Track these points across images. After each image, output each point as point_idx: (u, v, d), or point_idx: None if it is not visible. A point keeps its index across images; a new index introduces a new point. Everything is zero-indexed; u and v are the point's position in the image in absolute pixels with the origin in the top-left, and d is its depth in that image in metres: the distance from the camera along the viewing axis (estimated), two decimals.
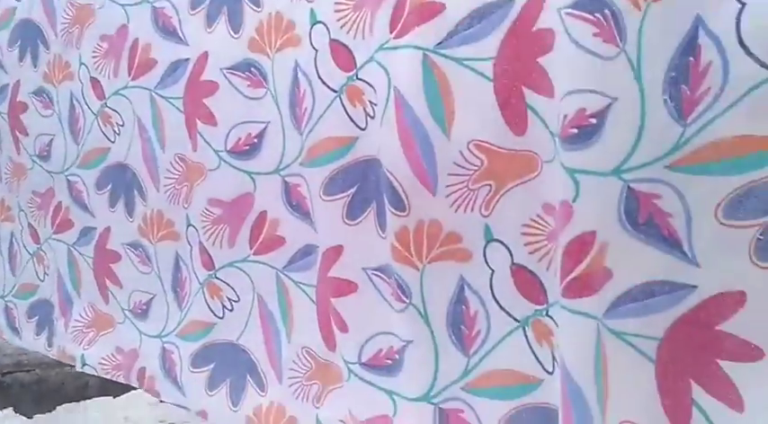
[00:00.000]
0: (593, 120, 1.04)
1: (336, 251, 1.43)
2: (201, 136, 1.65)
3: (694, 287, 0.99)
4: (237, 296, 1.66)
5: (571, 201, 1.09)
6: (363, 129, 1.38)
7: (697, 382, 1.00)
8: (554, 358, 1.18)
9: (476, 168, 1.28)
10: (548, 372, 1.19)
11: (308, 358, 1.54)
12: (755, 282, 0.95)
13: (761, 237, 0.96)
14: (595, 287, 1.05)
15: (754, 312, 0.95)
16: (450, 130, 1.25)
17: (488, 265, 1.24)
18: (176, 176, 1.75)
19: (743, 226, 0.96)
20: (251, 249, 1.62)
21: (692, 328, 1.00)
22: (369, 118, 1.38)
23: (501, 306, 1.23)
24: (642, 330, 1.03)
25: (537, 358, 1.20)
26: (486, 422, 1.25)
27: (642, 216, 1.09)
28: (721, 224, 0.99)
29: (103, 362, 2.01)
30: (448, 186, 1.28)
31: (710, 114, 0.99)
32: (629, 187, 1.08)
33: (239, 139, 1.60)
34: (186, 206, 1.73)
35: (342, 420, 1.49)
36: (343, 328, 1.42)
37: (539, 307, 1.19)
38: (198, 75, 1.68)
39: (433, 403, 1.31)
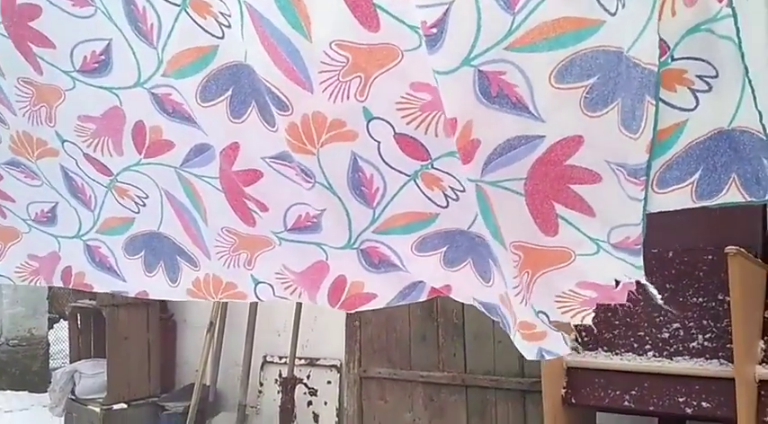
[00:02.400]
0: (434, 30, 1.20)
1: (233, 148, 1.56)
2: (42, 59, 1.58)
3: (543, 136, 1.29)
4: (145, 194, 1.77)
5: (432, 83, 1.29)
6: (222, 38, 1.42)
7: (557, 202, 1.36)
8: (446, 197, 1.48)
9: (342, 64, 1.39)
10: (441, 207, 1.51)
11: (230, 235, 1.76)
12: (588, 127, 1.25)
13: (587, 95, 1.26)
14: (471, 155, 1.31)
15: (590, 148, 1.27)
16: (310, 34, 1.33)
17: (373, 138, 1.44)
18: (27, 98, 1.69)
19: (572, 88, 1.24)
20: (140, 154, 1.69)
21: (547, 165, 1.31)
22: (224, 27, 1.40)
23: (391, 167, 1.47)
24: (511, 175, 1.35)
25: (430, 199, 1.50)
26: (399, 249, 1.59)
27: (494, 90, 1.31)
28: (555, 88, 1.24)
29: (19, 270, 2.12)
30: (321, 82, 1.41)
31: (533, 2, 1.22)
32: (479, 70, 1.28)
33: (85, 58, 1.56)
34: (51, 124, 1.71)
35: (278, 273, 1.79)
36: (263, 208, 1.63)
37: (424, 162, 1.45)
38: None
39: (354, 248, 1.62)
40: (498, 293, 1.52)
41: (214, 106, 1.51)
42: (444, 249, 1.57)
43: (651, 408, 2.33)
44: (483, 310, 1.63)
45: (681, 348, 2.49)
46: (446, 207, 1.50)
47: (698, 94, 1.16)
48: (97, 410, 5.45)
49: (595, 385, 2.44)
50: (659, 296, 1.37)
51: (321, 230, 1.62)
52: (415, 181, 1.48)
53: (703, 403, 2.29)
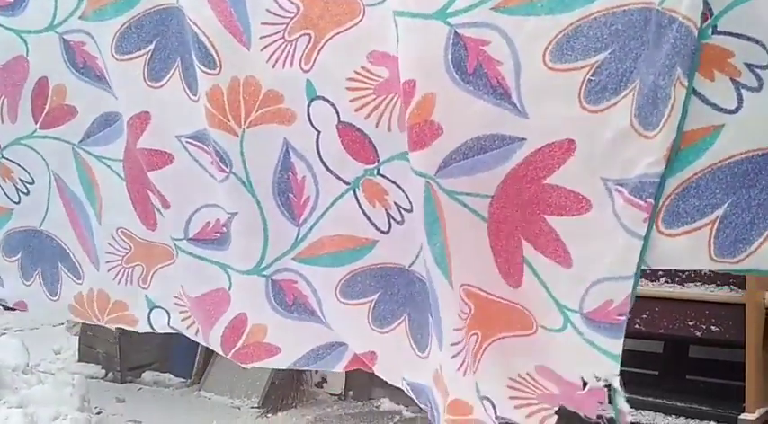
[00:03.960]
0: None
1: (143, 119, 1.24)
2: None
3: (523, 139, 0.96)
4: (32, 178, 1.42)
5: (393, 52, 1.01)
6: None
7: (527, 239, 1.00)
8: (389, 217, 1.14)
9: (291, 15, 1.12)
10: (382, 232, 1.15)
11: (126, 240, 1.39)
12: (584, 127, 0.92)
13: (592, 78, 0.92)
14: (425, 141, 0.99)
15: (582, 159, 0.93)
16: None
17: (313, 126, 1.13)
18: None
19: (572, 69, 0.92)
20: (36, 122, 1.37)
21: (522, 182, 0.98)
22: None
23: (329, 169, 1.14)
24: (474, 188, 1.00)
25: (369, 219, 1.14)
26: (321, 290, 1.22)
27: (471, 65, 1.03)
28: (549, 68, 0.96)
29: None
30: (263, 37, 1.12)
31: None
32: (456, 32, 1.01)
33: None
34: None
35: (177, 297, 1.40)
36: (165, 203, 1.27)
37: (369, 167, 1.11)
38: None
39: (264, 276, 1.24)
40: (433, 368, 1.14)
41: (131, 61, 1.22)
42: (376, 296, 1.19)
43: (660, 331, 2.42)
44: (411, 395, 1.22)
45: (693, 275, 2.51)
46: (387, 232, 1.15)
47: (743, 92, 0.86)
48: (113, 327, 4.65)
49: None
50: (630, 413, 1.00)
51: (228, 244, 1.26)
52: (354, 192, 1.14)
53: (712, 327, 2.35)
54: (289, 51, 1.10)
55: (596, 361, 0.95)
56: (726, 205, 0.88)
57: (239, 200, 1.19)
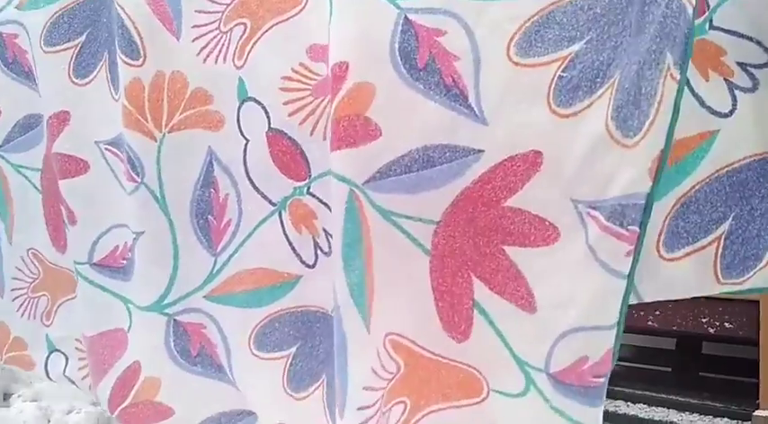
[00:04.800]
0: None
1: (61, 119, 1.07)
2: None
3: (480, 151, 0.76)
4: None
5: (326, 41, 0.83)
6: None
7: (480, 277, 0.77)
8: (317, 247, 0.92)
9: (229, 1, 0.98)
10: (307, 266, 0.93)
11: (36, 263, 1.18)
12: (553, 135, 0.72)
13: (563, 74, 0.72)
14: (354, 138, 0.78)
15: (550, 176, 0.72)
16: None
17: (242, 133, 0.95)
18: None
19: (541, 64, 0.73)
20: None
21: (477, 204, 0.76)
22: None
23: (255, 186, 0.94)
24: (417, 210, 0.79)
25: (294, 250, 0.93)
26: (232, 337, 0.98)
27: (422, 58, 0.82)
28: (514, 63, 0.76)
29: None
30: (195, 26, 0.95)
31: None
32: (407, 17, 0.80)
33: None
34: None
35: (78, 339, 1.17)
36: (72, 218, 1.08)
37: (299, 184, 0.91)
38: None
39: (166, 314, 1.00)
40: None
41: (57, 54, 1.08)
42: (294, 349, 0.96)
43: (674, 327, 2.35)
44: None
45: None
46: (312, 266, 0.93)
47: (737, 93, 0.76)
48: None
49: None
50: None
51: (132, 274, 1.05)
52: (280, 215, 0.94)
53: (726, 324, 2.32)
54: (223, 44, 0.94)
55: None
56: (730, 219, 0.76)
57: (148, 218, 1.00)
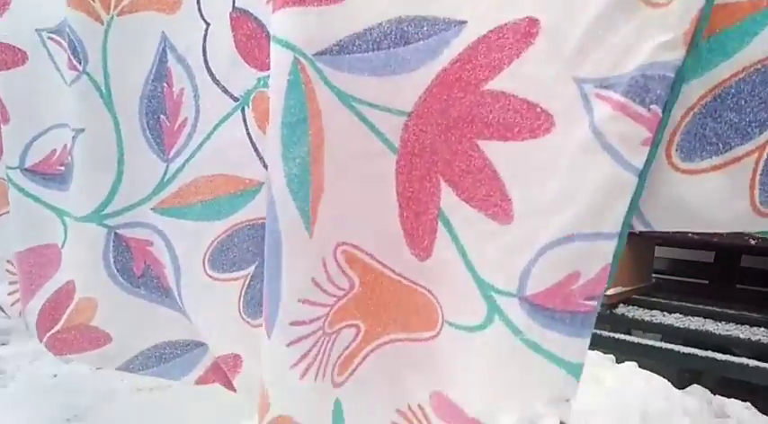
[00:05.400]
0: None
1: (2, 2, 0.94)
2: None
3: (462, 22, 0.61)
4: None
5: None
6: None
7: (448, 181, 0.64)
8: None
9: None
10: None
11: None
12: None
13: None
14: None
15: (549, 49, 0.58)
16: None
17: (202, 16, 0.82)
18: None
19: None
20: None
21: (451, 92, 0.62)
22: None
23: (215, 79, 0.80)
24: (384, 98, 0.65)
25: (257, 152, 0.79)
26: (184, 257, 0.85)
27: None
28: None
29: None
30: None
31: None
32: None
33: None
34: None
35: (10, 261, 1.04)
36: (4, 115, 0.94)
37: (263, 74, 0.77)
38: None
39: (106, 226, 0.87)
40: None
41: None
42: (252, 268, 0.83)
43: (715, 239, 2.35)
44: None
45: None
46: None
47: None
48: None
49: None
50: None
51: (69, 183, 0.91)
52: (243, 112, 0.81)
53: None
54: None
55: (541, 378, 0.58)
56: None
57: (89, 114, 0.86)
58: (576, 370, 0.57)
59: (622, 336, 2.12)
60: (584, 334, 0.56)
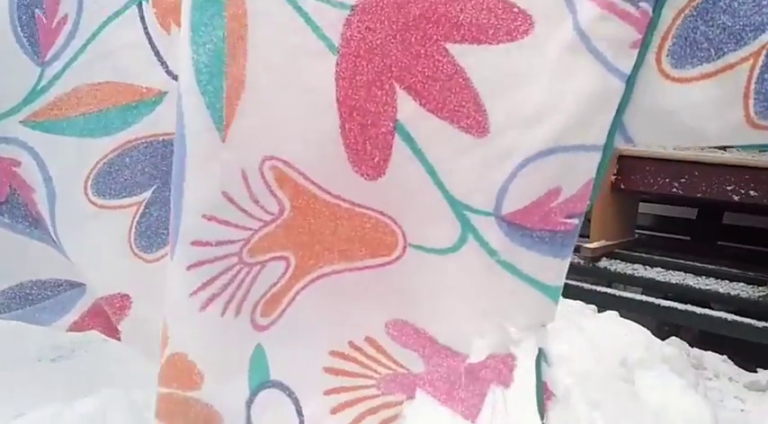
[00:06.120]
0: None
1: None
2: None
3: None
4: None
5: None
6: None
7: (407, 88, 0.54)
8: None
9: None
10: (176, 78, 0.67)
11: None
12: None
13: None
14: None
15: None
16: None
17: None
18: None
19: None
20: None
21: None
22: None
23: None
24: None
25: (159, 57, 0.66)
26: (60, 179, 0.72)
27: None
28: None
29: None
30: None
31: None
32: None
33: None
34: None
35: None
36: None
37: None
38: None
39: None
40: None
41: None
42: (149, 193, 0.70)
43: (698, 195, 2.30)
44: None
45: None
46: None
47: None
48: None
49: (645, 172, 2.40)
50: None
51: None
52: (140, 8, 0.68)
53: (751, 192, 2.27)
54: None
55: (517, 302, 0.54)
56: None
57: None
58: (554, 293, 0.52)
59: (604, 289, 2.12)
60: (564, 255, 0.51)
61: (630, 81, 0.48)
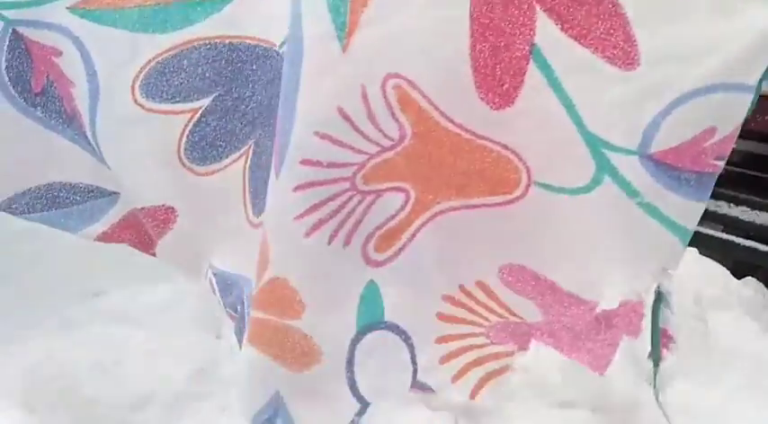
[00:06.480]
0: None
1: None
2: None
3: None
4: None
5: None
6: None
7: (548, 10, 0.50)
8: None
9: None
10: None
11: None
12: None
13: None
14: None
15: None
16: None
17: None
18: None
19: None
20: None
21: None
22: None
23: None
24: None
25: None
26: (105, 72, 0.63)
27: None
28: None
29: None
30: None
31: None
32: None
33: None
34: None
35: None
36: None
37: None
38: None
39: (2, 17, 0.62)
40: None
41: None
42: (208, 100, 0.66)
43: None
44: (213, 287, 0.69)
45: None
46: None
47: None
48: None
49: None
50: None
51: None
52: None
53: None
54: None
55: (653, 246, 0.52)
56: None
57: None
58: (686, 237, 0.52)
59: None
60: (704, 197, 0.51)
61: None
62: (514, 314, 0.57)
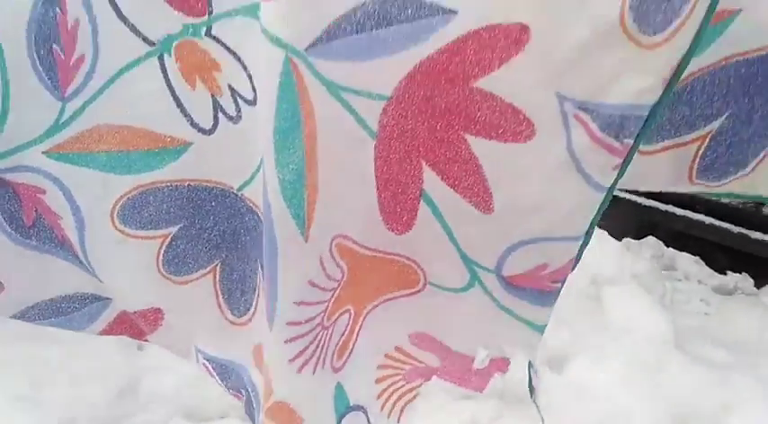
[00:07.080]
0: None
1: None
2: None
3: (453, 12, 0.55)
4: None
5: None
6: None
7: (432, 165, 0.63)
8: (218, 109, 0.69)
9: None
10: (203, 131, 0.71)
11: None
12: (551, 9, 0.54)
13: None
14: None
15: (536, 59, 0.56)
16: None
17: None
18: None
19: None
20: None
21: (438, 81, 0.58)
22: None
23: (121, 15, 0.66)
24: (365, 82, 0.59)
25: (182, 109, 0.70)
26: (88, 208, 0.76)
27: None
28: None
29: None
30: None
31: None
32: None
33: None
34: None
35: None
36: None
37: (194, 21, 0.65)
38: None
39: None
40: (255, 341, 0.79)
41: None
42: (175, 229, 0.77)
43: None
44: (210, 372, 0.85)
45: None
46: (210, 131, 0.72)
47: None
48: None
49: None
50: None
51: None
52: (161, 60, 0.69)
53: None
54: None
55: (509, 328, 0.72)
56: (723, 117, 0.68)
57: None
58: (541, 329, 0.70)
59: None
60: (550, 304, 0.68)
61: (611, 189, 0.61)
62: (422, 362, 0.79)
